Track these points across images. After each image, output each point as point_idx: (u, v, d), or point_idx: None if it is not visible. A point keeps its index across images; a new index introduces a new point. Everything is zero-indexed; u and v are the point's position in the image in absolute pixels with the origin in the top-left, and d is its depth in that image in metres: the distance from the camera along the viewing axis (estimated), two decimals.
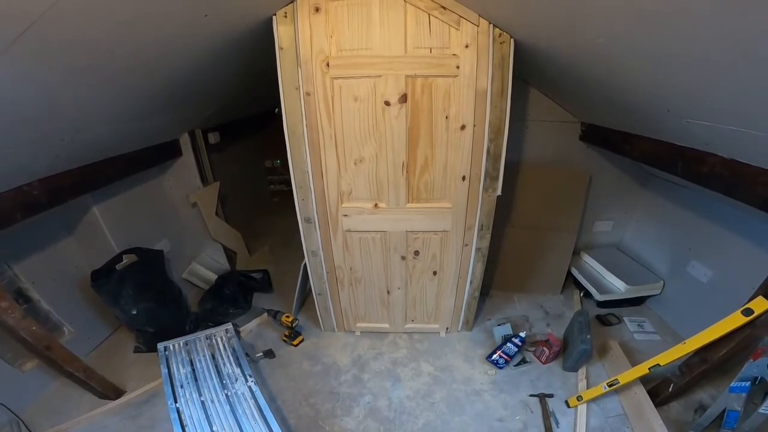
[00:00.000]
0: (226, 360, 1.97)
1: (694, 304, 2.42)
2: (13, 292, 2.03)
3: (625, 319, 2.68)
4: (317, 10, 1.63)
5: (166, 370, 1.91)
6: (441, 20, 1.63)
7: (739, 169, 1.40)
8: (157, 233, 2.88)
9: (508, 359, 2.33)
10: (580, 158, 2.69)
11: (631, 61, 1.29)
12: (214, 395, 1.77)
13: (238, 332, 2.21)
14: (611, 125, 2.20)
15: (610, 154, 2.53)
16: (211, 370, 1.91)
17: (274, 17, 1.65)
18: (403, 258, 2.24)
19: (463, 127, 1.83)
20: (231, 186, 3.61)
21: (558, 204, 2.71)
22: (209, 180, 3.16)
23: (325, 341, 2.58)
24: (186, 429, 1.61)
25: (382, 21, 1.63)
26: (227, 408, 1.71)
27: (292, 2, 1.62)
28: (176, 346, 2.07)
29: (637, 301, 2.79)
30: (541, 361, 2.35)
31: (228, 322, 2.26)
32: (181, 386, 1.81)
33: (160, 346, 2.06)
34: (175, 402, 1.73)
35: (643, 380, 1.92)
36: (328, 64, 1.70)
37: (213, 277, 3.14)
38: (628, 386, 1.94)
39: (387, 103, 1.78)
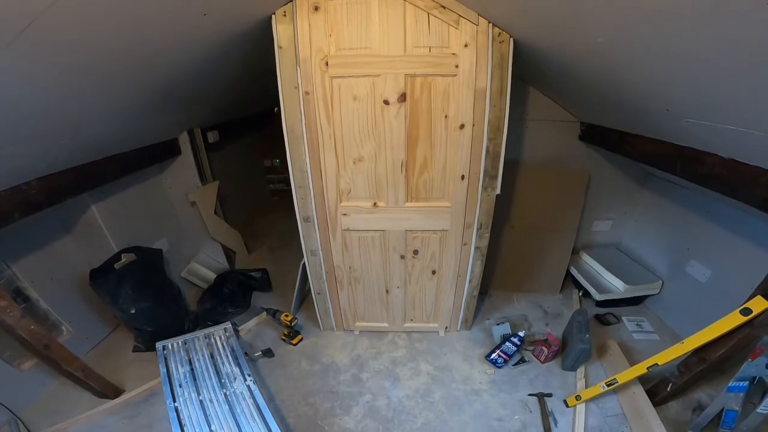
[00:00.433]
0: (224, 359, 1.97)
1: (693, 304, 2.42)
2: (11, 291, 2.03)
3: (624, 318, 2.69)
4: (316, 9, 1.62)
5: (165, 369, 1.91)
6: (440, 19, 1.63)
7: (738, 168, 1.40)
8: (156, 232, 2.88)
9: (507, 359, 2.33)
10: (579, 158, 2.69)
11: (630, 61, 1.28)
12: (212, 394, 1.77)
13: (236, 331, 2.21)
14: (610, 125, 2.19)
15: (609, 153, 2.53)
16: (210, 369, 1.91)
17: (273, 16, 1.64)
18: (402, 257, 2.24)
19: (462, 127, 1.83)
20: (230, 185, 3.61)
21: (557, 203, 2.71)
22: (208, 179, 3.15)
23: (324, 340, 2.58)
24: (184, 428, 1.61)
25: (382, 20, 1.63)
26: (226, 407, 1.71)
27: (291, 1, 1.62)
28: (175, 345, 2.06)
29: (635, 301, 2.80)
30: (540, 361, 2.35)
31: (227, 321, 2.26)
32: (180, 385, 1.81)
33: (159, 345, 2.06)
34: (174, 401, 1.73)
35: (642, 380, 1.92)
36: (327, 63, 1.70)
37: (212, 276, 3.14)
38: (626, 386, 1.94)
39: (386, 102, 1.78)
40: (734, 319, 1.45)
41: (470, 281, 2.32)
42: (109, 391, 2.13)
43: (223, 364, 1.95)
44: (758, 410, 1.45)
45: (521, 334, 2.38)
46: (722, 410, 1.56)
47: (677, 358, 1.66)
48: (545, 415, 1.99)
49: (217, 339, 2.11)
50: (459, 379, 2.26)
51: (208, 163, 3.12)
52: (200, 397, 1.76)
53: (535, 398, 2.10)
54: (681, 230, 2.51)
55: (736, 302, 1.48)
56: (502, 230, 2.78)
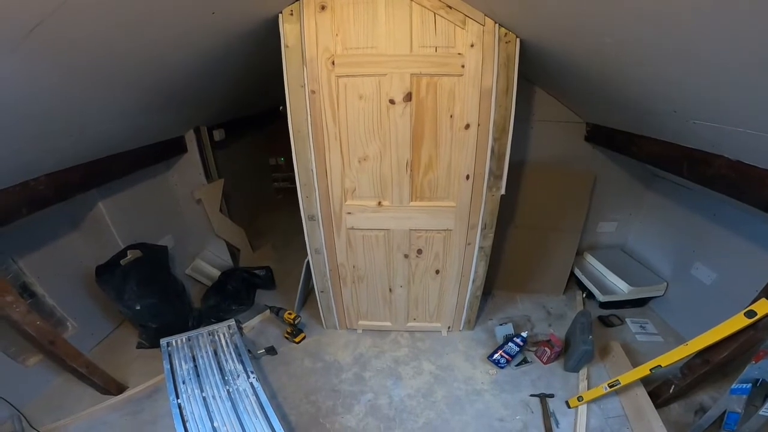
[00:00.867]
0: (228, 356, 1.99)
1: (698, 306, 2.41)
2: (18, 287, 2.05)
3: (628, 320, 2.68)
4: (323, 8, 1.63)
5: (169, 366, 1.92)
6: (447, 19, 1.63)
7: (745, 171, 1.40)
8: (162, 229, 2.90)
9: (510, 359, 2.33)
10: (584, 159, 2.68)
11: (639, 61, 1.28)
12: (215, 391, 1.78)
13: (240, 329, 2.22)
14: (617, 126, 2.19)
15: (615, 154, 2.52)
16: (213, 366, 1.92)
17: (280, 15, 1.65)
18: (406, 256, 2.25)
19: (467, 126, 1.83)
20: (235, 183, 3.62)
21: (562, 204, 2.71)
22: (214, 177, 3.17)
23: (327, 339, 2.59)
24: (187, 425, 1.62)
25: (388, 19, 1.63)
26: (228, 404, 1.72)
27: (298, 0, 1.63)
28: (179, 341, 2.08)
29: (639, 303, 2.79)
30: (542, 362, 2.35)
31: (230, 318, 2.27)
32: (183, 382, 1.82)
33: (163, 341, 2.07)
34: (177, 398, 1.75)
35: (644, 381, 1.92)
36: (333, 63, 1.70)
37: (216, 273, 3.16)
38: (629, 387, 1.93)
39: (392, 102, 1.78)
40: (738, 322, 1.45)
41: (474, 281, 2.32)
42: (113, 387, 2.14)
43: (226, 361, 1.96)
44: (760, 413, 1.44)
45: (524, 334, 2.38)
46: (724, 412, 1.56)
47: (681, 359, 1.66)
48: (547, 415, 1.99)
49: (221, 336, 2.12)
50: (461, 378, 2.26)
51: (213, 160, 3.13)
52: (203, 394, 1.77)
53: (536, 399, 2.10)
54: (686, 232, 2.50)
55: (741, 305, 1.47)
56: (506, 230, 2.78)
